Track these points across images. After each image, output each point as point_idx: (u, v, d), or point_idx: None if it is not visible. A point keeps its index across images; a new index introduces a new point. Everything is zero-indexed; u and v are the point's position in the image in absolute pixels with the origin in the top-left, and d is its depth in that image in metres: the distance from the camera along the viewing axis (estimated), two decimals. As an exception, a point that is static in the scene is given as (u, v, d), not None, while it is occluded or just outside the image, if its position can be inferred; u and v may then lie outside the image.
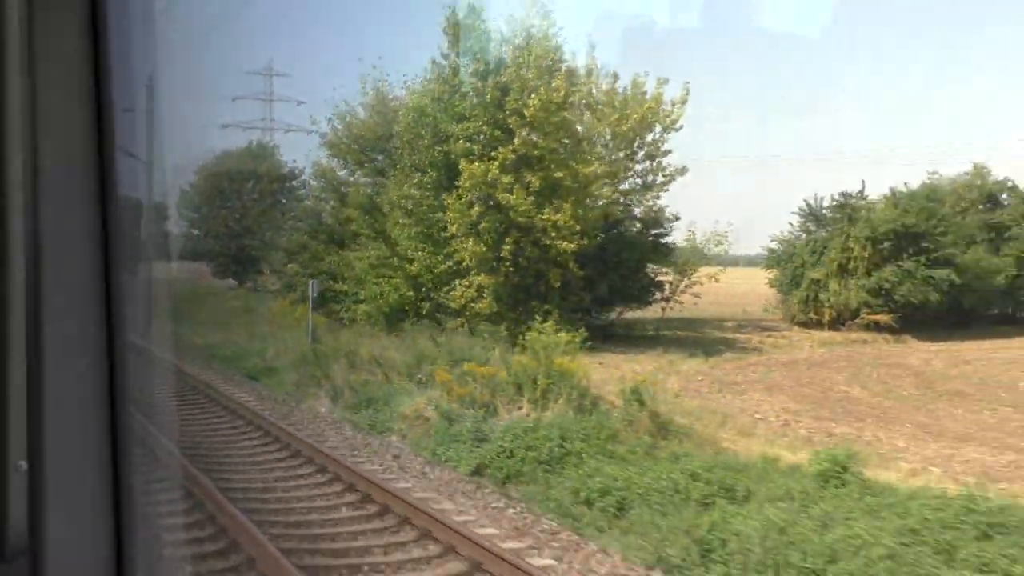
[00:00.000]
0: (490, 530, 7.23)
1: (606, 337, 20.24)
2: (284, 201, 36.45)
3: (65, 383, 1.58)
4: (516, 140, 17.85)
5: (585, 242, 18.43)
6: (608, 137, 22.38)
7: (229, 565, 6.62)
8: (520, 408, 10.26)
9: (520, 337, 17.44)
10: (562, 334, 11.98)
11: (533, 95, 17.84)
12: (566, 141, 19.04)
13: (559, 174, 18.23)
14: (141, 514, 1.75)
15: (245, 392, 14.05)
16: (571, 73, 19.75)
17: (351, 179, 24.05)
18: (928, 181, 29.86)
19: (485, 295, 18.39)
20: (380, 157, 22.71)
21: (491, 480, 8.67)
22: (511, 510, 7.85)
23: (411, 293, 19.52)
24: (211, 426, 11.35)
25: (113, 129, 1.63)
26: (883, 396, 14.88)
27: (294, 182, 36.68)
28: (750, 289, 29.35)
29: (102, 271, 1.63)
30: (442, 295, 18.83)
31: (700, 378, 16.24)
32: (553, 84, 18.23)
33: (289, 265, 24.88)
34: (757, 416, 12.52)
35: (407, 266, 19.24)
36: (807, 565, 5.86)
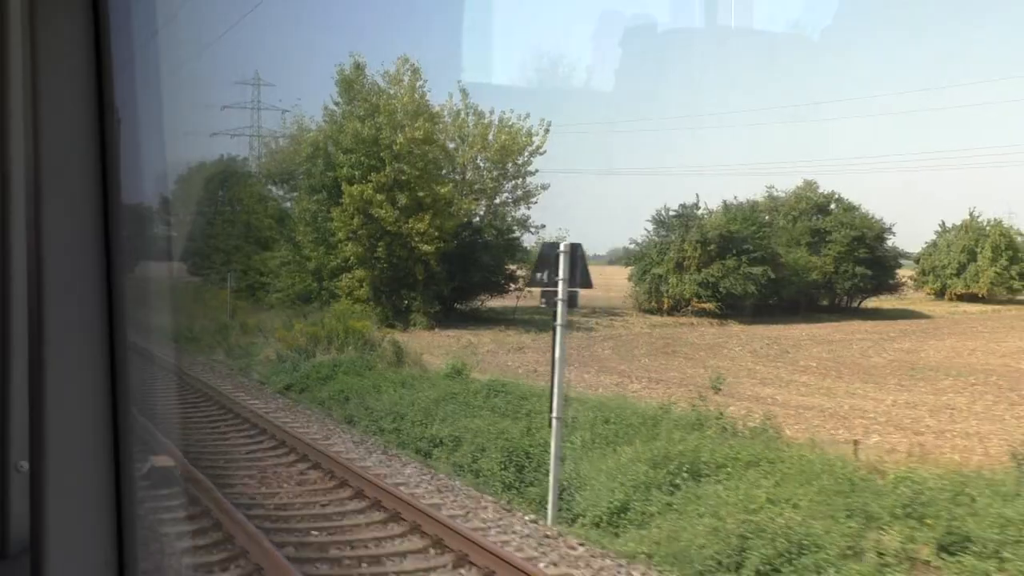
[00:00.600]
0: (269, 409, 13.06)
1: (467, 318, 26.19)
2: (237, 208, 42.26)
3: (66, 383, 1.58)
4: (387, 168, 23.70)
5: (443, 245, 24.24)
6: (480, 163, 28.26)
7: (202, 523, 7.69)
8: (328, 352, 16.13)
9: (389, 315, 23.64)
10: (357, 306, 17.96)
11: (400, 134, 23.70)
12: (429, 168, 24.91)
13: (421, 193, 24.06)
14: (141, 512, 1.74)
15: (168, 352, 19.88)
16: (434, 115, 25.60)
17: (271, 194, 30.14)
18: (767, 193, 35.83)
19: (363, 285, 24.27)
20: (292, 179, 28.70)
21: (289, 391, 14.53)
22: (285, 400, 13.72)
23: (314, 284, 25.44)
24: (142, 376, 17.28)
25: (115, 132, 1.63)
26: (624, 357, 20.75)
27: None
28: (613, 283, 35.28)
29: (104, 272, 1.61)
30: (333, 285, 24.70)
31: (512, 344, 22.06)
32: (416, 124, 24.07)
33: (225, 264, 30.79)
34: (513, 365, 18.34)
35: (307, 263, 25.24)
36: (404, 412, 11.69)
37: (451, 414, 11.12)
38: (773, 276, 30.91)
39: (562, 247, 8.69)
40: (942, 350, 24.09)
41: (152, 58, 2.16)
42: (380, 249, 23.92)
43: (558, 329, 8.62)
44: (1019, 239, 43.53)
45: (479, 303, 27.90)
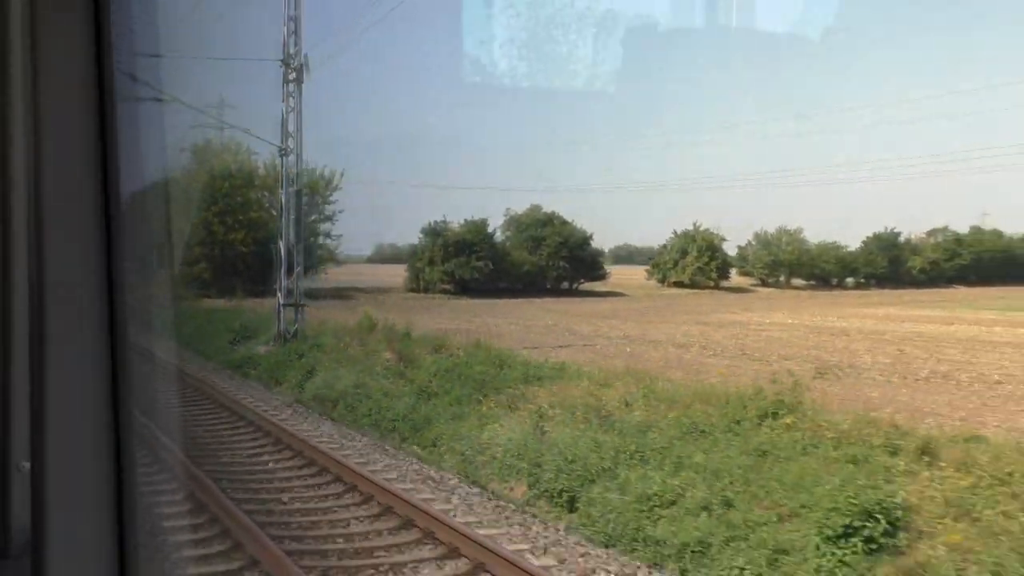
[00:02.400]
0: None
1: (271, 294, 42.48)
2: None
3: (67, 383, 1.57)
4: (219, 203, 39.96)
5: (255, 248, 40.41)
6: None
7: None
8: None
9: (222, 291, 40.01)
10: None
11: (226, 182, 39.98)
12: (248, 201, 41.20)
13: (240, 217, 40.33)
14: (143, 513, 1.73)
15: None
16: (251, 171, 41.99)
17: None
18: (517, 212, 52.50)
19: (206, 273, 40.53)
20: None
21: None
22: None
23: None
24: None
25: (116, 128, 1.62)
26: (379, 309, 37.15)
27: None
28: (396, 273, 51.74)
29: (105, 272, 1.60)
30: (196, 272, 40.89)
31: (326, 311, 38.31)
32: (240, 174, 40.37)
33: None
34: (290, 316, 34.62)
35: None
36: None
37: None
38: (494, 268, 47.48)
39: (283, 247, 24.91)
40: (587, 306, 40.69)
41: (153, 58, 2.11)
42: (215, 251, 40.27)
43: (279, 293, 24.82)
44: (719, 242, 60.71)
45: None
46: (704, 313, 38.62)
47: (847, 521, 6.57)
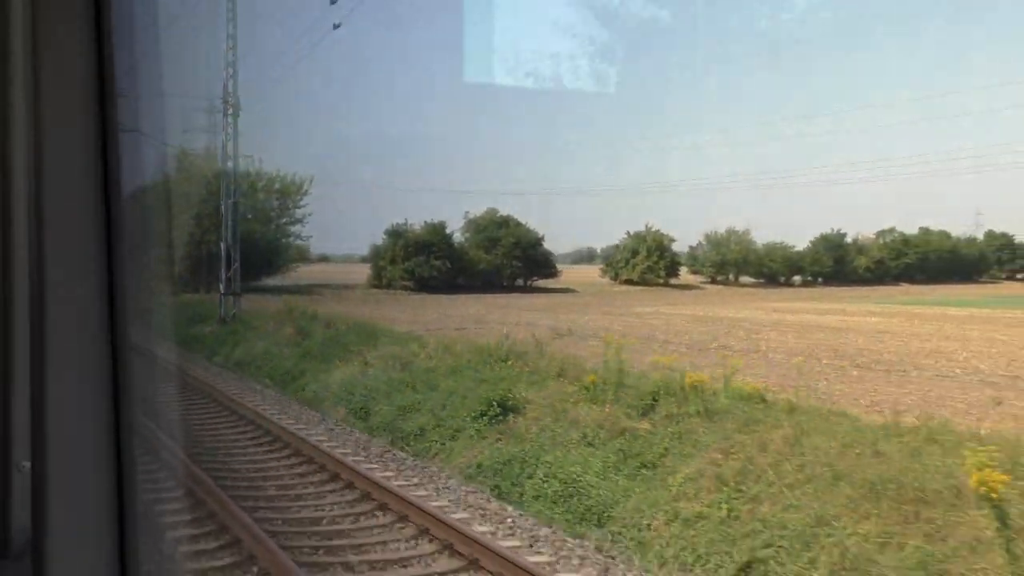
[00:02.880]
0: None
1: (250, 289, 47.48)
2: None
3: (68, 383, 1.57)
4: (195, 208, 45.05)
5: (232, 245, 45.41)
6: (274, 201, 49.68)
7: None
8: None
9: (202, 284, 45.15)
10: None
11: (204, 189, 45.05)
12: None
13: (215, 220, 45.48)
14: (144, 513, 1.72)
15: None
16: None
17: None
18: (476, 215, 57.48)
19: (186, 271, 45.56)
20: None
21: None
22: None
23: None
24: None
25: (117, 127, 1.63)
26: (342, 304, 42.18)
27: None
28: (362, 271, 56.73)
29: (106, 270, 1.61)
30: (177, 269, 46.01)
31: (267, 302, 43.35)
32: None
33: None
34: (248, 307, 39.64)
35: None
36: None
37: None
38: (452, 267, 52.46)
39: (223, 247, 29.93)
40: (528, 300, 45.59)
41: (154, 56, 2.11)
42: (191, 250, 45.39)
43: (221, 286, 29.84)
44: (668, 243, 65.61)
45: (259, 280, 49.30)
46: (628, 306, 43.59)
47: (483, 408, 11.64)
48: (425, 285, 52.07)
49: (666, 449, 9.43)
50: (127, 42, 1.72)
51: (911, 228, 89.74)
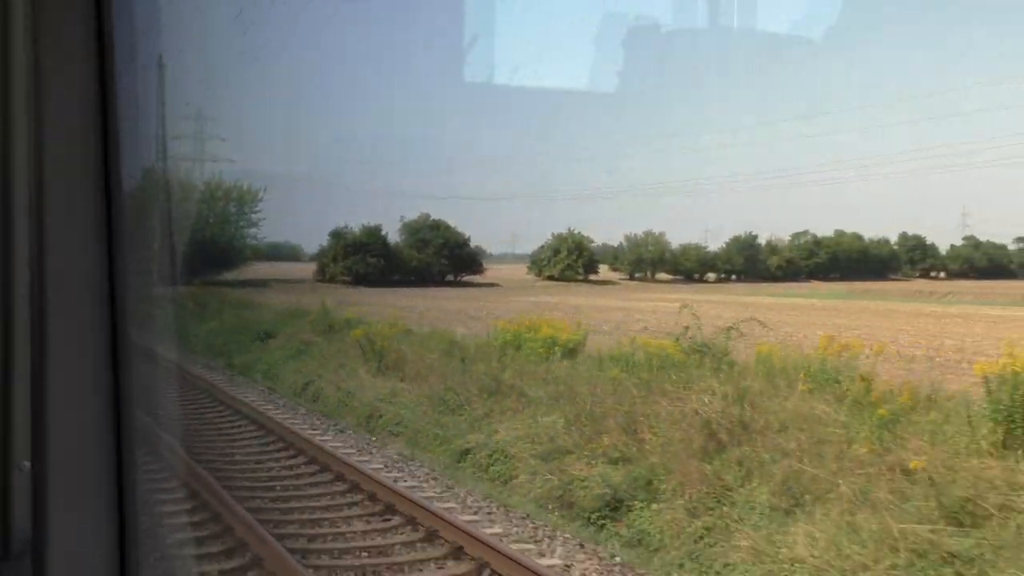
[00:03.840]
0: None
1: (215, 284, 55.28)
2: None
3: (68, 382, 1.58)
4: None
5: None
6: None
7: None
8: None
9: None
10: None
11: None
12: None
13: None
14: (144, 512, 1.74)
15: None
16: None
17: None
18: (412, 218, 65.58)
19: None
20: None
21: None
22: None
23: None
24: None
25: (118, 126, 1.63)
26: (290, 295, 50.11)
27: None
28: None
29: (106, 269, 1.61)
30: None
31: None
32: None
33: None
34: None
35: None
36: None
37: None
38: (387, 264, 60.51)
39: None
40: (448, 292, 53.61)
41: (155, 55, 2.09)
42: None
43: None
44: (587, 243, 73.92)
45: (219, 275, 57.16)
46: (532, 296, 51.85)
47: (258, 336, 20.04)
48: (362, 280, 60.02)
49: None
50: (128, 39, 1.70)
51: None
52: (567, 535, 8.94)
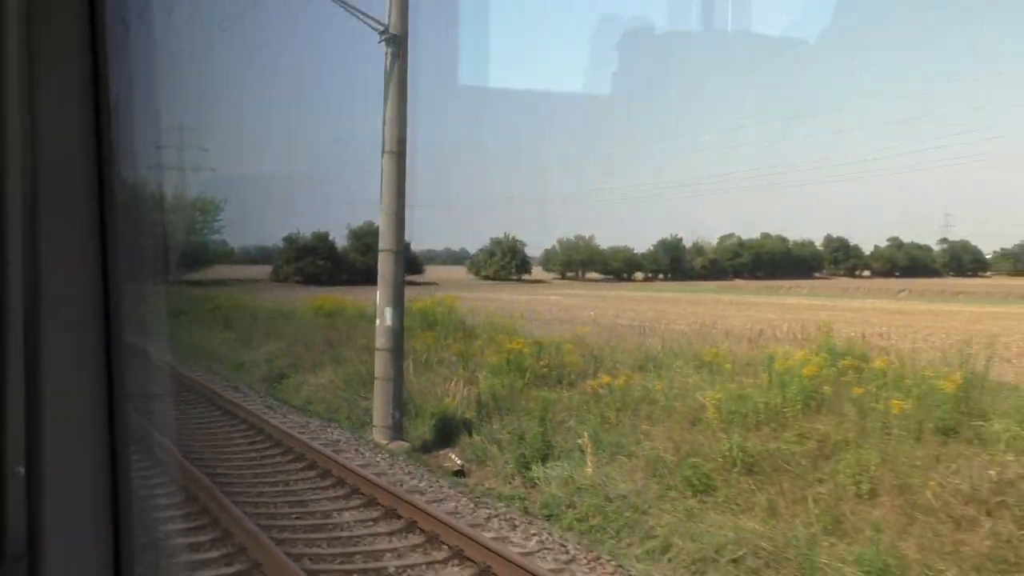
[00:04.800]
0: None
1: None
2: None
3: (62, 386, 1.58)
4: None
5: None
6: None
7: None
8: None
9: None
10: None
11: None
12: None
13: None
14: (140, 517, 1.74)
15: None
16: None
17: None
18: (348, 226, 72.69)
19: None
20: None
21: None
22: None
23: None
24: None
25: (111, 131, 1.63)
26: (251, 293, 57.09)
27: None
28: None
29: (100, 273, 1.61)
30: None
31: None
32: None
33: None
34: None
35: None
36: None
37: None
38: (334, 266, 67.59)
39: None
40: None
41: (150, 55, 2.11)
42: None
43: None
44: (521, 246, 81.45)
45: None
46: (452, 291, 59.08)
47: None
48: (312, 279, 67.04)
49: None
50: (123, 44, 1.70)
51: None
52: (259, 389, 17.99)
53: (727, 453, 9.16)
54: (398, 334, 13.15)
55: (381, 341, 13.07)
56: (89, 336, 1.61)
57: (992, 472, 7.52)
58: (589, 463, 10.20)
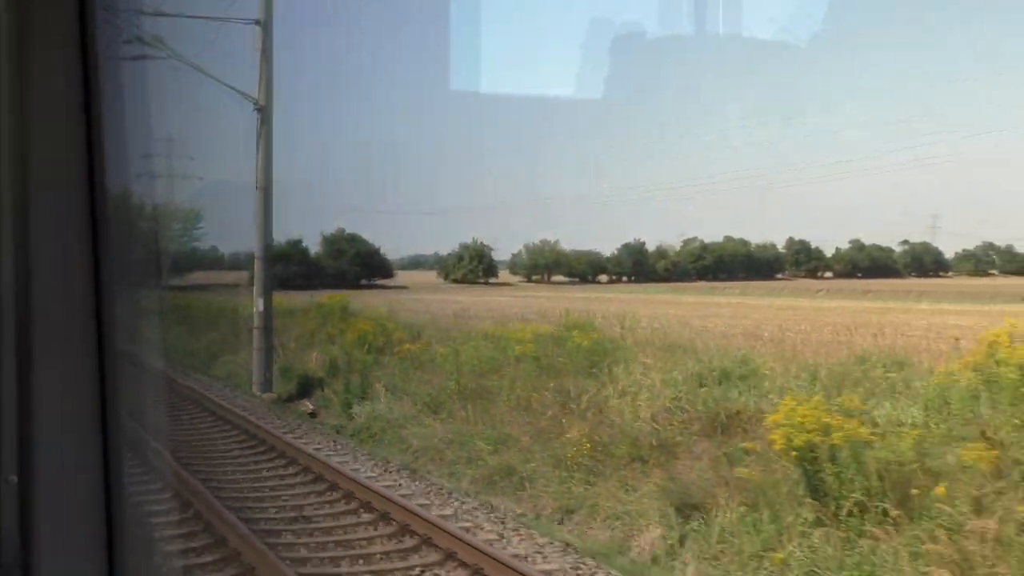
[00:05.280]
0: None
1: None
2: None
3: (55, 394, 1.58)
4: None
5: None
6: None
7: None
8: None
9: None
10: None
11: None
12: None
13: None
14: (133, 524, 1.74)
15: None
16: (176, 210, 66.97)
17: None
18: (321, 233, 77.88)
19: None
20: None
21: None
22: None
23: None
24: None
25: (103, 138, 1.63)
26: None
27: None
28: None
29: (92, 280, 1.61)
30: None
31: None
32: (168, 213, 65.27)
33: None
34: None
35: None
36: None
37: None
38: (307, 271, 72.74)
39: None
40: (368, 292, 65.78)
41: (140, 63, 2.05)
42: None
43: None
44: (488, 251, 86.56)
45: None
46: (416, 294, 64.25)
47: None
48: (286, 284, 72.11)
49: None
50: (113, 57, 1.71)
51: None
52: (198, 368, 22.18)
53: (454, 389, 14.40)
54: (267, 317, 18.34)
55: (256, 323, 18.28)
56: (82, 342, 1.60)
57: (571, 388, 12.75)
58: (382, 401, 15.40)
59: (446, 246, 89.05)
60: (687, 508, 8.89)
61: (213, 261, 76.98)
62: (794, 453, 8.13)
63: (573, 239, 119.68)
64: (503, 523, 9.89)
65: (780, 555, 7.73)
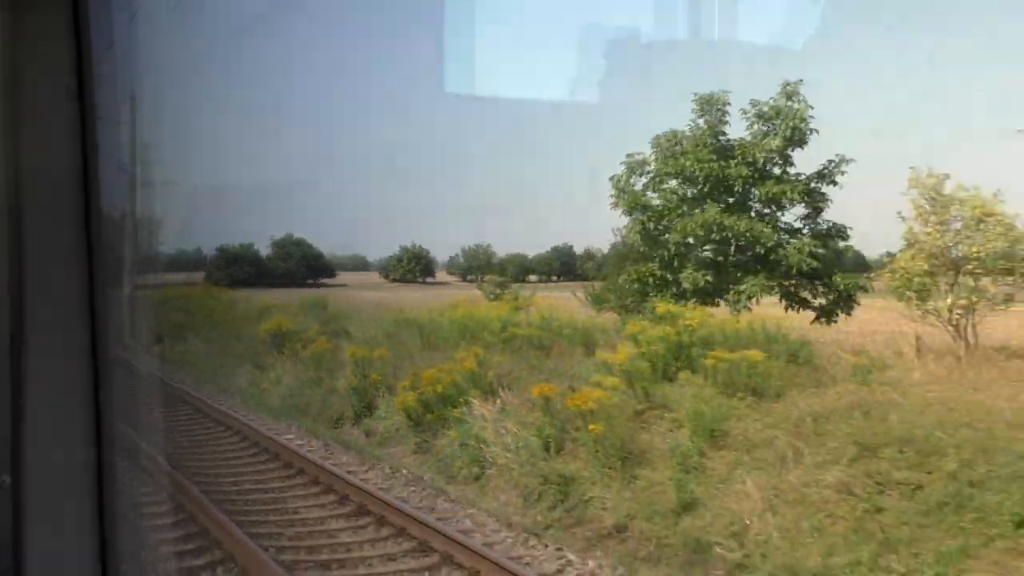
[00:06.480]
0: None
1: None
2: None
3: (48, 396, 1.62)
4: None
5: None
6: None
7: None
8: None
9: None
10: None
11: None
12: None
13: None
14: (125, 526, 1.78)
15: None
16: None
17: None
18: (271, 236, 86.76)
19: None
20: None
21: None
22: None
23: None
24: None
25: (97, 143, 1.67)
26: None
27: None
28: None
29: (86, 283, 1.65)
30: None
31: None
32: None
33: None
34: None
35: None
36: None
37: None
38: (257, 271, 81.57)
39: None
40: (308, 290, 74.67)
41: (133, 65, 2.04)
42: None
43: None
44: (425, 253, 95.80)
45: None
46: (357, 292, 73.28)
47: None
48: (240, 283, 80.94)
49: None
50: (109, 56, 1.70)
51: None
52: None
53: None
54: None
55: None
56: (75, 346, 1.64)
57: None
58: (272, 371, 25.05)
59: (393, 249, 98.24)
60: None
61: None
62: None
63: (521, 242, 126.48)
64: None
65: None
